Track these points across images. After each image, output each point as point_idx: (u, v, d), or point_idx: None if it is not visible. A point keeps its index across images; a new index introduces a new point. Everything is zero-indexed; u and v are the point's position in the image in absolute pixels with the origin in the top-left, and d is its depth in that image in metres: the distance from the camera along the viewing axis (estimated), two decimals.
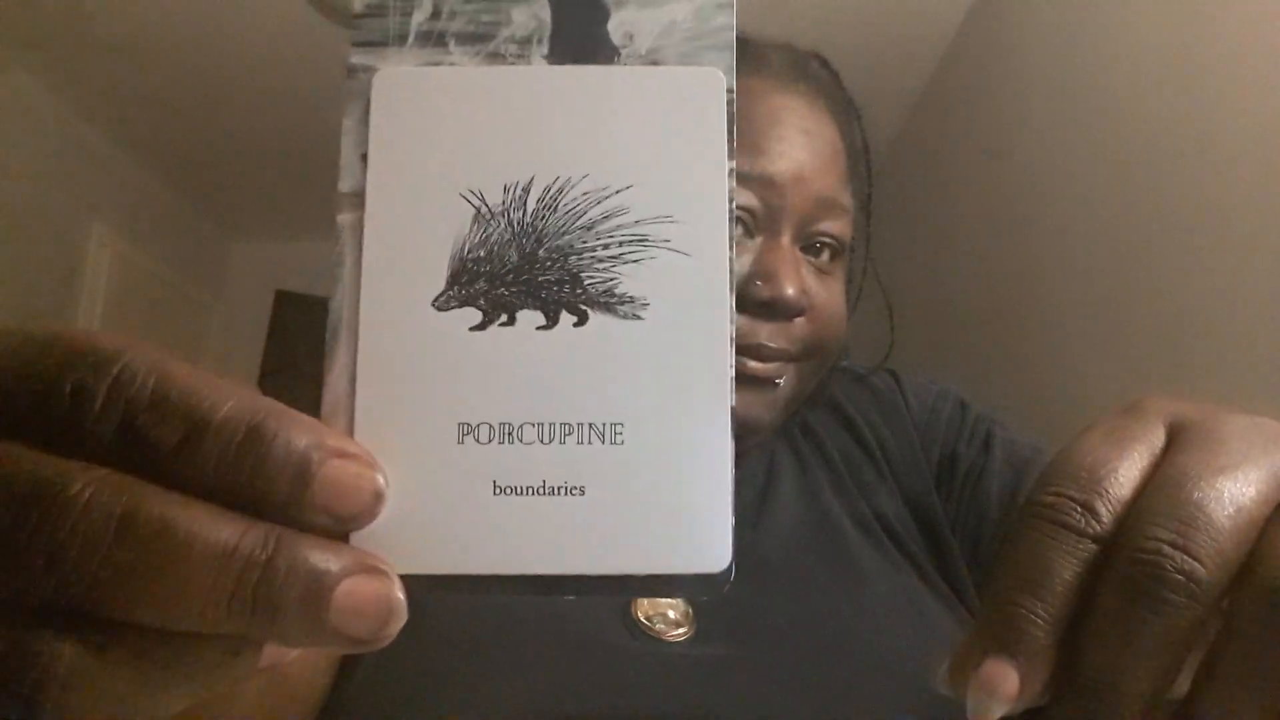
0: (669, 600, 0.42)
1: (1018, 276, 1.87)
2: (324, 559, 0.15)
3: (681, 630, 0.41)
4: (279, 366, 3.24)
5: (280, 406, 0.16)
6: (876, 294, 0.62)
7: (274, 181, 3.00)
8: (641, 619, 0.41)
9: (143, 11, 2.12)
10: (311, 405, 0.18)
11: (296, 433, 0.16)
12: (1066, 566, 0.19)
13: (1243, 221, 1.20)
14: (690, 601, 0.42)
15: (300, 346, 3.23)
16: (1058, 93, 1.74)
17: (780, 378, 0.49)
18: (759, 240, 0.50)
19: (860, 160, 0.58)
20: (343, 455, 0.16)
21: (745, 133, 0.52)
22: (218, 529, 0.15)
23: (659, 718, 0.37)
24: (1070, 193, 1.68)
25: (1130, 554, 0.19)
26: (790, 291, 0.48)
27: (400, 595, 0.16)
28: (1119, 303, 1.49)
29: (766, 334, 0.48)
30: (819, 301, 0.51)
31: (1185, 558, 0.18)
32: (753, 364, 0.48)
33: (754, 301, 0.48)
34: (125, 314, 2.76)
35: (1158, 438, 0.21)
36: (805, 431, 0.56)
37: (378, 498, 0.16)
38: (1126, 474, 0.20)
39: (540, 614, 0.39)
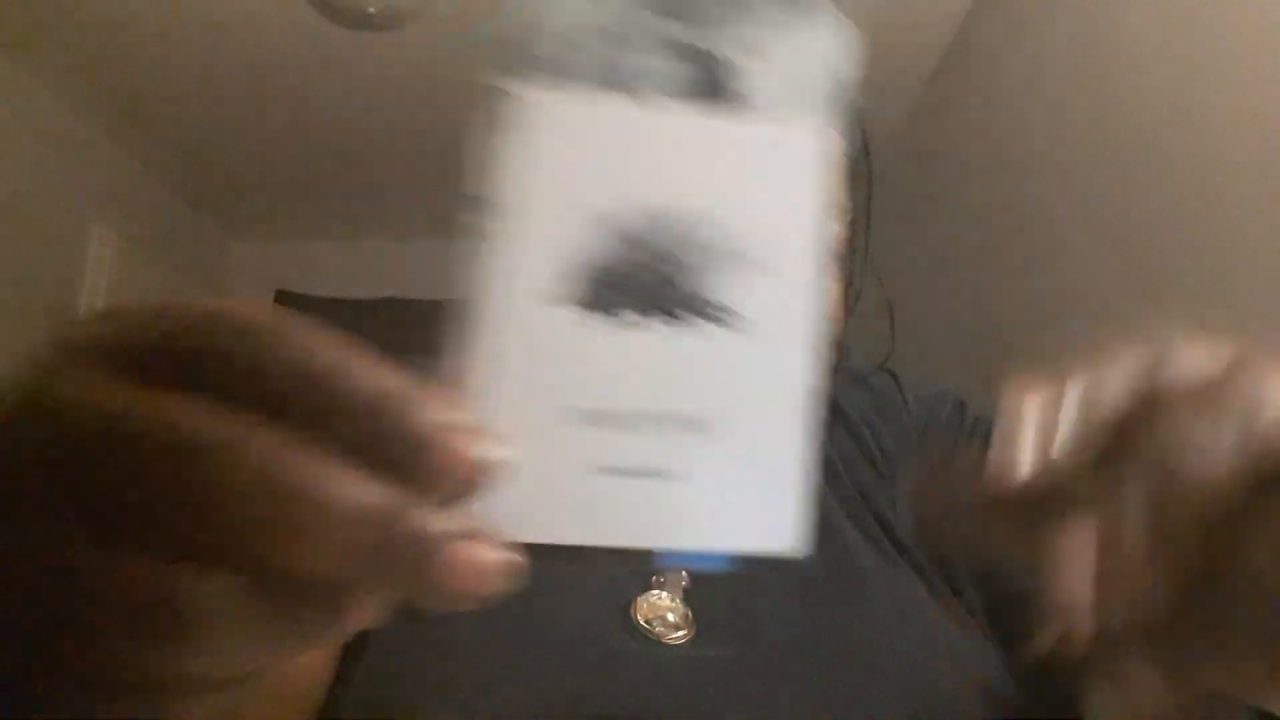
0: (668, 603, 0.42)
1: (1017, 277, 1.87)
2: (442, 523, 0.17)
3: (681, 633, 0.41)
4: None
5: (412, 385, 0.18)
6: (877, 295, 0.62)
7: (274, 181, 3.00)
8: (641, 622, 0.41)
9: (143, 12, 2.13)
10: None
11: (427, 408, 0.17)
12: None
13: (1243, 222, 1.20)
14: (689, 604, 0.42)
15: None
16: (1058, 93, 1.74)
17: None
18: None
19: (859, 162, 0.58)
20: (466, 431, 0.17)
21: None
22: (354, 490, 0.16)
23: (659, 719, 0.37)
24: (1070, 193, 1.68)
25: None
26: None
27: (502, 557, 0.17)
28: (1119, 303, 1.49)
29: None
30: None
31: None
32: None
33: None
34: None
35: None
36: None
37: (495, 470, 0.18)
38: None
39: (540, 617, 0.39)
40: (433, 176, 2.91)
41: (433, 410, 0.17)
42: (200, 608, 0.16)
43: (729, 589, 0.43)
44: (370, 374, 0.17)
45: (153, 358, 0.17)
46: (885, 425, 0.55)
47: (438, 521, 0.17)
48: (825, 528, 0.49)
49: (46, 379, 0.17)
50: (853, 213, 0.55)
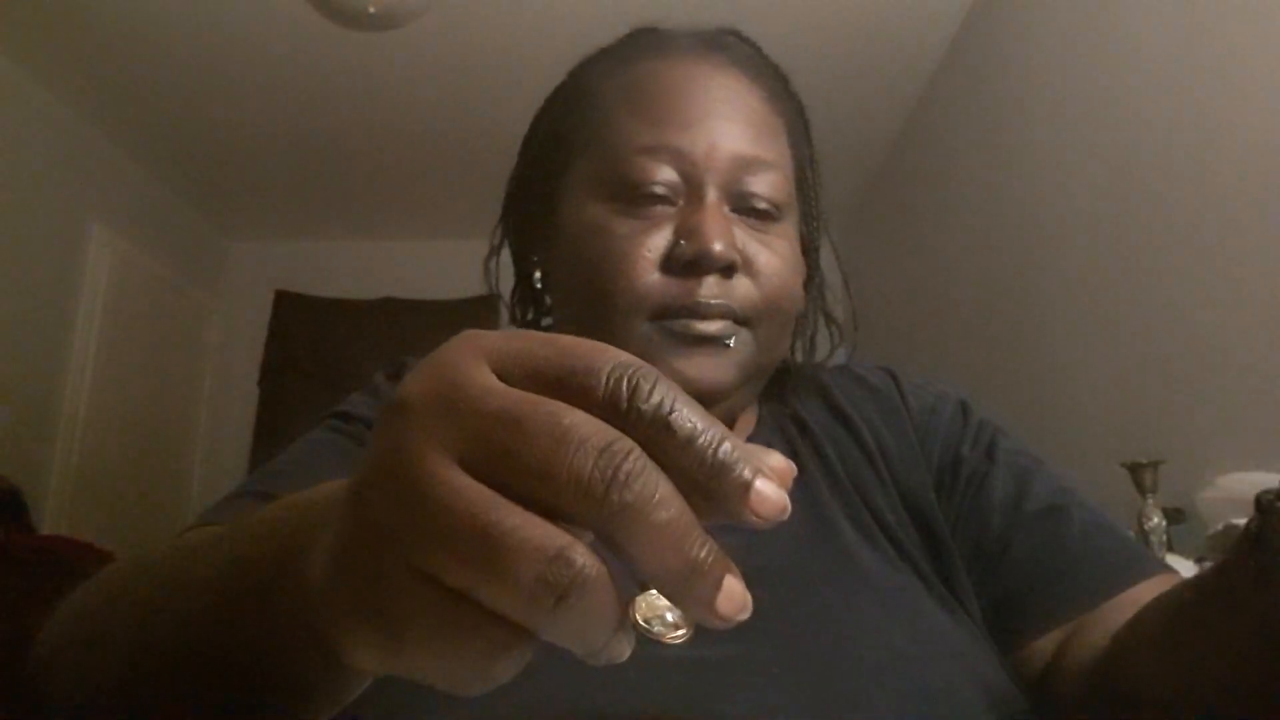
0: (667, 603, 0.42)
1: (1017, 277, 1.87)
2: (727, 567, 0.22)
3: (680, 633, 0.41)
4: (279, 366, 3.24)
5: (740, 444, 0.21)
6: (884, 300, 0.62)
7: (274, 181, 3.00)
8: (640, 621, 0.41)
9: (143, 12, 2.13)
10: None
11: (748, 454, 0.21)
12: None
13: (1243, 223, 1.20)
14: None
15: (300, 346, 3.24)
16: (1057, 93, 1.74)
17: (730, 338, 0.49)
18: (681, 205, 0.50)
19: (797, 123, 0.57)
20: (769, 477, 0.21)
21: (652, 109, 0.52)
22: (676, 502, 0.21)
23: (658, 718, 0.37)
24: (1070, 193, 1.68)
25: None
26: (716, 246, 0.48)
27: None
28: (1118, 304, 1.49)
29: (705, 291, 0.48)
30: (760, 262, 0.51)
31: None
32: (698, 324, 0.48)
33: (681, 261, 0.48)
34: (125, 314, 2.76)
35: None
36: (802, 430, 0.55)
37: (785, 510, 0.22)
38: None
39: None
40: (433, 177, 2.91)
41: (754, 456, 0.21)
42: (587, 573, 0.20)
43: None
44: (718, 425, 0.21)
45: (544, 371, 0.22)
46: (885, 424, 0.55)
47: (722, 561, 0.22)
48: (824, 526, 0.49)
49: (453, 370, 0.22)
50: (795, 173, 0.55)
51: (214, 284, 3.32)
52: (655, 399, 0.21)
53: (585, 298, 0.51)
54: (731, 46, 0.56)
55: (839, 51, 2.20)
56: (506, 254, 0.62)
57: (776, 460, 0.22)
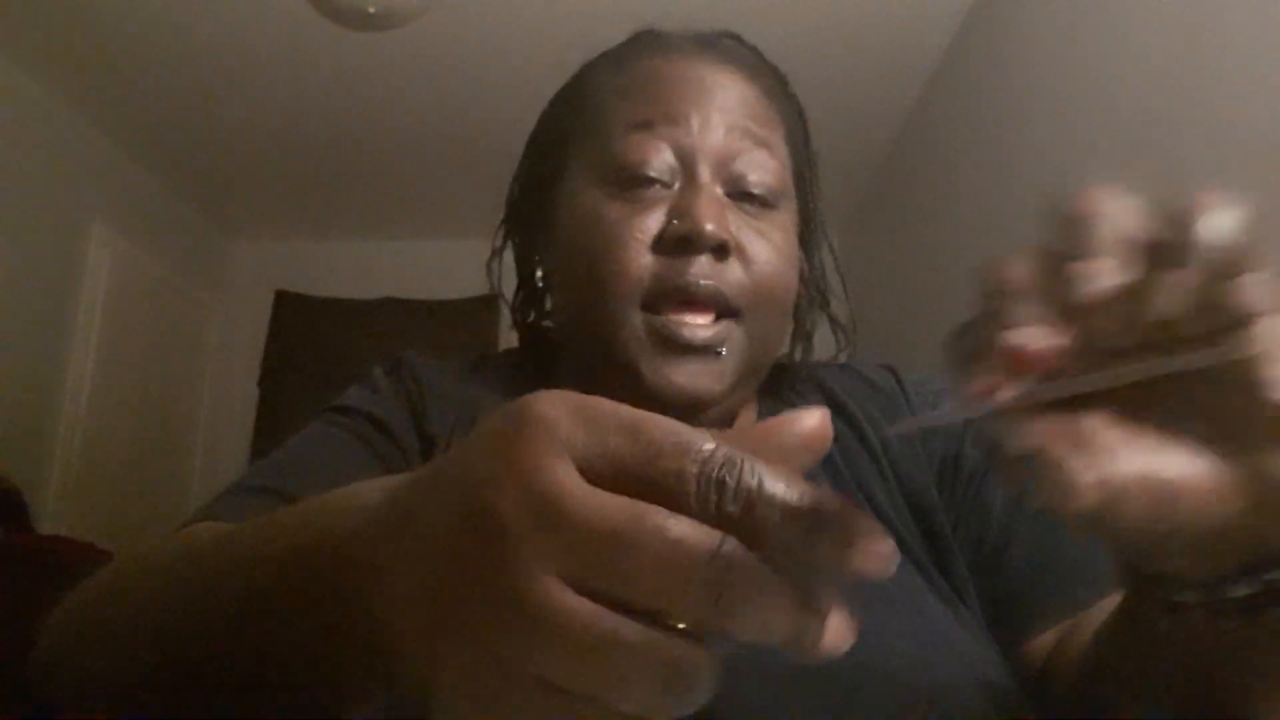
0: None
1: None
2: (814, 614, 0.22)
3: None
4: (279, 366, 3.24)
5: (839, 506, 0.21)
6: (883, 301, 0.62)
7: (274, 181, 3.00)
8: None
9: (143, 12, 2.13)
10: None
11: (851, 523, 0.21)
12: None
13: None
14: None
15: (300, 346, 3.24)
16: (1058, 92, 1.74)
17: (721, 346, 0.49)
18: (676, 186, 0.50)
19: (796, 124, 0.58)
20: (867, 541, 0.21)
21: (648, 96, 0.52)
22: (785, 589, 0.21)
23: None
24: (1070, 191, 1.68)
25: None
26: (708, 225, 0.48)
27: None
28: None
29: (695, 270, 0.48)
30: (754, 249, 0.50)
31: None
32: (688, 324, 0.48)
33: (672, 239, 0.48)
34: (125, 314, 2.76)
35: None
36: None
37: (887, 566, 0.21)
38: None
39: None
40: (433, 177, 2.91)
41: (859, 524, 0.21)
42: (703, 676, 0.21)
43: None
44: (810, 494, 0.21)
45: (632, 470, 0.21)
46: (886, 421, 0.55)
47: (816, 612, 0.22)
48: None
49: (527, 467, 0.21)
50: (792, 169, 0.56)
51: (214, 284, 3.32)
52: (744, 492, 0.21)
53: (580, 285, 0.51)
54: (730, 48, 0.57)
55: (838, 52, 2.20)
56: (509, 257, 0.62)
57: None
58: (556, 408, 0.22)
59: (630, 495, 0.21)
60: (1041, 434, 0.24)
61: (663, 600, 0.20)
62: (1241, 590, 0.27)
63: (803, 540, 0.21)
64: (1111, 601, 0.43)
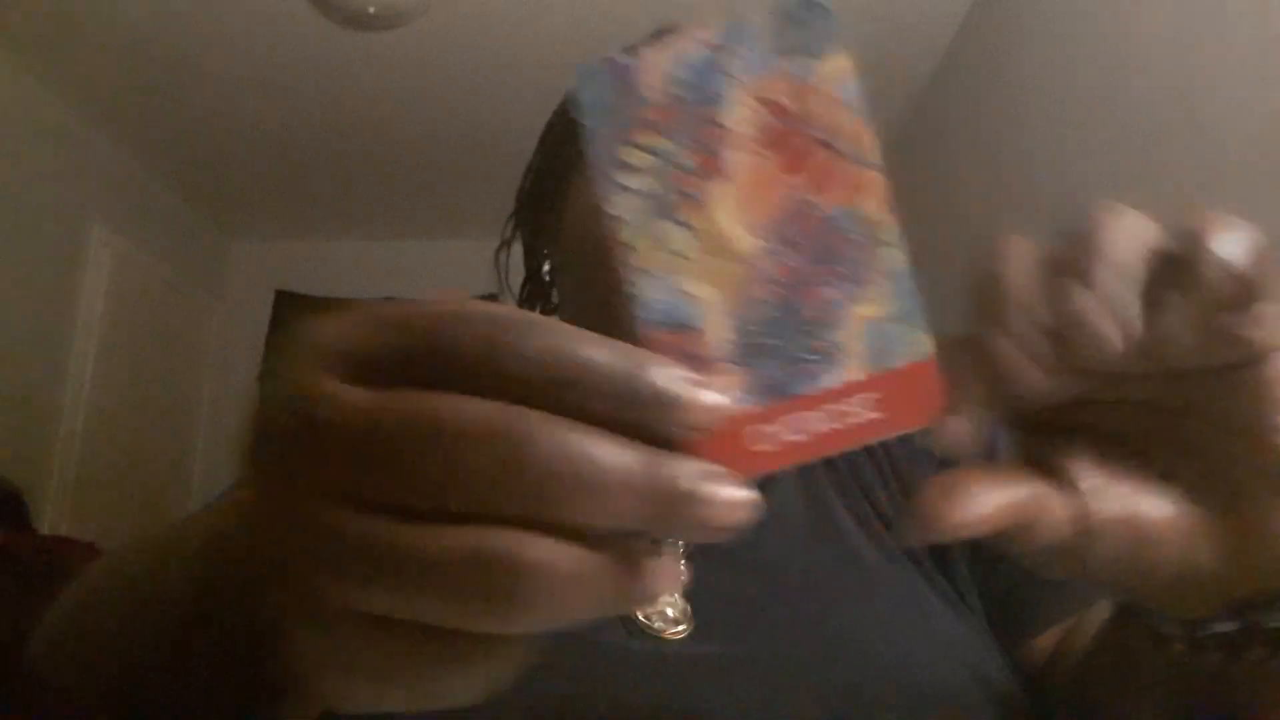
0: (667, 598, 0.42)
1: None
2: (693, 464, 0.18)
3: (680, 628, 0.41)
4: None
5: (645, 353, 0.19)
6: None
7: (274, 181, 3.00)
8: (639, 617, 0.41)
9: (143, 12, 2.13)
10: None
11: (663, 365, 0.19)
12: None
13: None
14: (689, 599, 0.42)
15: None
16: (1058, 92, 1.74)
17: None
18: None
19: None
20: (701, 384, 0.19)
21: None
22: (621, 452, 0.18)
23: (657, 716, 0.37)
24: (1070, 190, 1.68)
25: None
26: None
27: (749, 492, 0.19)
28: None
29: None
30: None
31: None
32: None
33: None
34: (125, 314, 2.76)
35: None
36: None
37: (725, 409, 0.19)
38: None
39: None
40: (433, 176, 2.91)
41: (673, 367, 0.19)
42: (537, 565, 0.18)
43: (728, 584, 0.43)
44: (608, 344, 0.19)
45: (407, 358, 0.19)
46: None
47: (693, 463, 0.19)
48: (826, 523, 0.49)
49: (294, 387, 0.19)
50: None
51: (214, 284, 3.32)
52: (535, 350, 0.18)
53: (583, 282, 0.51)
54: None
55: None
56: (516, 250, 0.62)
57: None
58: (329, 318, 0.20)
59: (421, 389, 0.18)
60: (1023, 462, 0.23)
61: (453, 497, 0.17)
62: (1223, 628, 0.26)
63: (628, 410, 0.18)
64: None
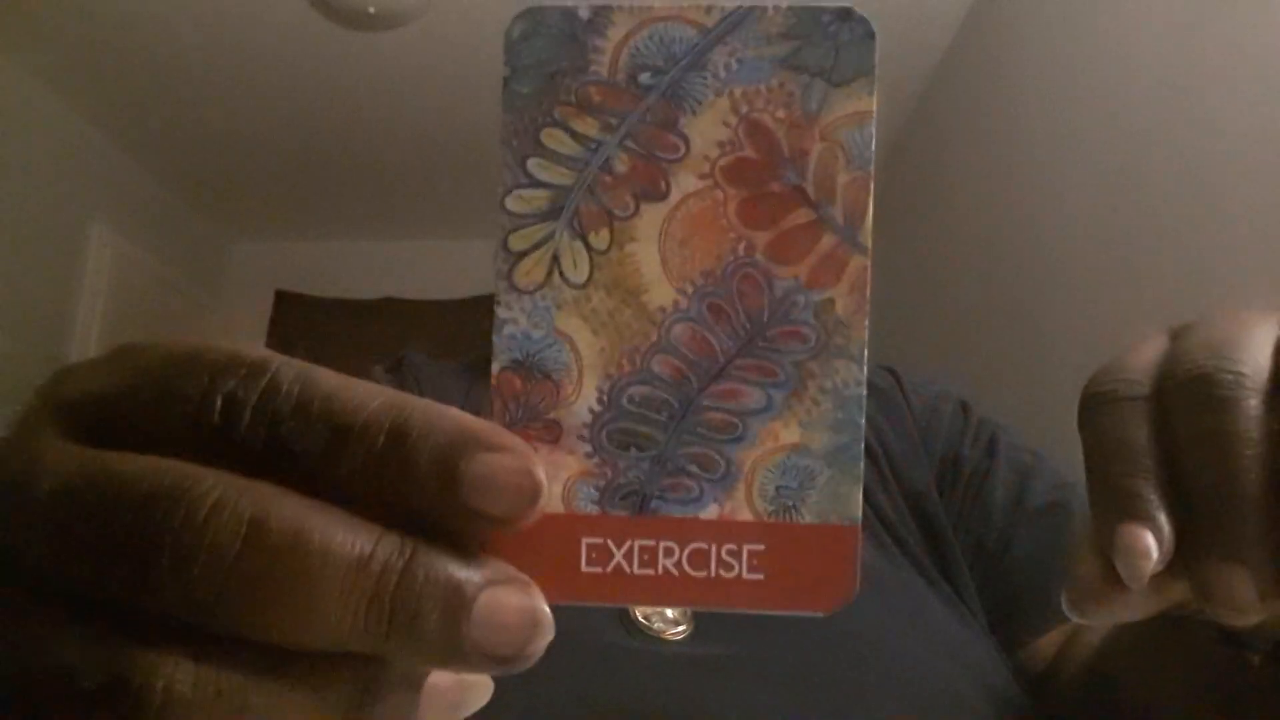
0: None
1: (1018, 276, 1.87)
2: (463, 568, 0.14)
3: (680, 629, 0.41)
4: None
5: (427, 403, 0.15)
6: (881, 301, 0.61)
7: (274, 181, 3.00)
8: (639, 617, 0.41)
9: (143, 12, 2.12)
10: None
11: (442, 425, 0.15)
12: (1136, 426, 0.21)
13: (1243, 220, 1.20)
14: None
15: (300, 347, 3.24)
16: (1058, 92, 1.74)
17: None
18: None
19: None
20: (495, 448, 0.15)
21: None
22: (352, 535, 0.14)
23: (657, 717, 0.37)
24: (1070, 192, 1.68)
25: (1179, 382, 0.21)
26: None
27: (545, 609, 0.15)
28: (1119, 304, 1.49)
29: None
30: None
31: (1225, 361, 0.20)
32: None
33: None
34: (125, 314, 2.76)
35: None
36: None
37: (535, 495, 0.15)
38: (1151, 350, 0.23)
39: None
40: (433, 177, 2.91)
41: (453, 426, 0.15)
42: (177, 688, 0.13)
43: None
44: (378, 397, 0.15)
45: (121, 410, 0.15)
46: (887, 423, 0.55)
47: (459, 566, 0.14)
48: None
49: (9, 444, 0.16)
50: None
51: (214, 284, 3.32)
52: (261, 413, 0.14)
53: None
54: None
55: None
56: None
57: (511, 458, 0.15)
58: (90, 359, 0.17)
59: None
60: None
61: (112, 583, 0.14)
62: None
63: (379, 471, 0.14)
64: None
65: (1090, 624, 0.22)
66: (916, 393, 0.57)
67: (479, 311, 2.99)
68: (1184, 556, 0.20)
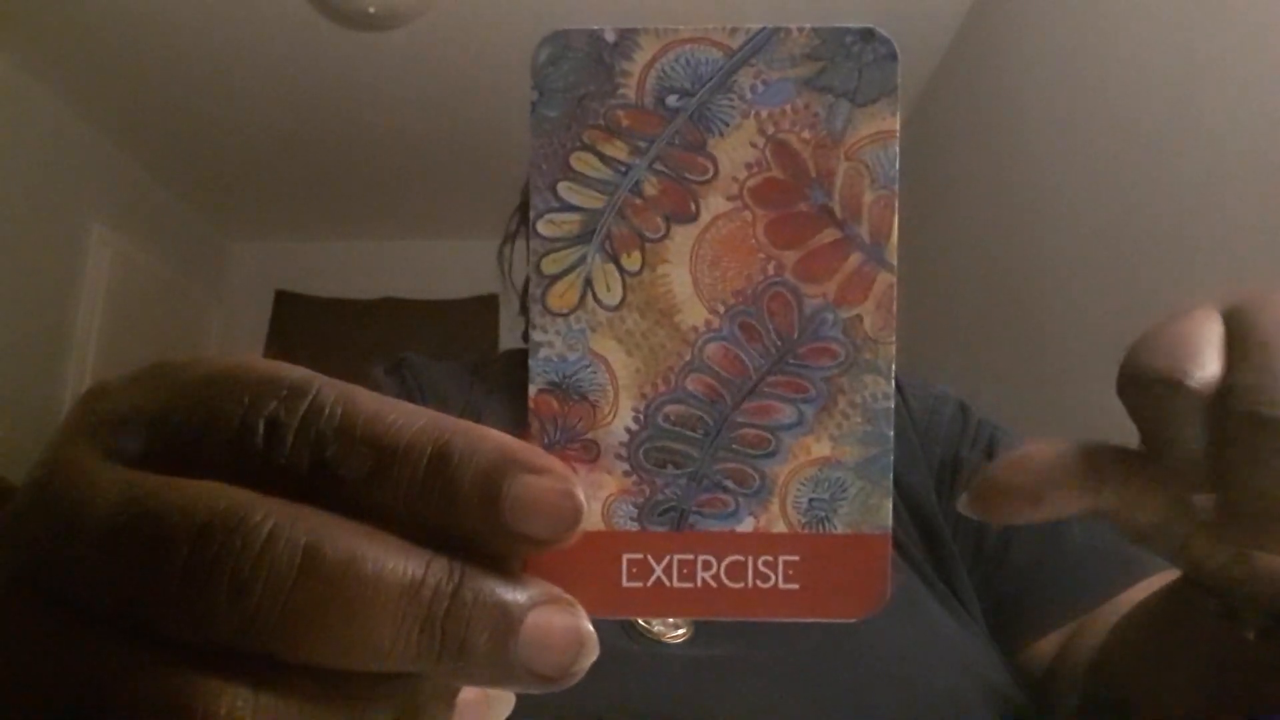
0: None
1: (1018, 276, 1.87)
2: (510, 590, 0.15)
3: (680, 632, 0.41)
4: None
5: (469, 425, 0.15)
6: None
7: (274, 181, 3.00)
8: (640, 621, 0.41)
9: (144, 12, 2.13)
10: None
11: (484, 448, 0.15)
12: (1190, 429, 0.20)
13: (1243, 220, 1.20)
14: None
15: (300, 346, 3.24)
16: (1058, 92, 1.74)
17: None
18: None
19: None
20: (536, 470, 0.15)
21: None
22: (403, 560, 0.14)
23: (658, 718, 0.37)
24: (1070, 192, 1.68)
25: (1239, 417, 0.19)
26: None
27: (589, 628, 0.15)
28: (1120, 302, 1.49)
29: None
30: None
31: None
32: None
33: None
34: (125, 314, 2.76)
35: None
36: None
37: (576, 517, 0.15)
38: (1209, 329, 0.21)
39: None
40: (433, 177, 2.91)
41: (495, 448, 0.15)
42: (238, 716, 0.14)
43: None
44: (420, 419, 0.15)
45: (162, 432, 0.15)
46: None
47: (506, 589, 0.15)
48: None
49: (51, 468, 0.16)
50: None
51: (214, 284, 3.32)
52: (305, 436, 0.14)
53: None
54: None
55: None
56: (521, 248, 0.62)
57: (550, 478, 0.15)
58: (125, 377, 0.17)
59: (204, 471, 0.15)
60: None
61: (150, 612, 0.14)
62: None
63: (422, 495, 0.14)
64: (1119, 604, 0.43)
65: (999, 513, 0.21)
66: (915, 395, 0.57)
67: (479, 311, 2.99)
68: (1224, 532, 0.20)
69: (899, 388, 0.58)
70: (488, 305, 3.00)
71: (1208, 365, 0.20)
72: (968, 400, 0.57)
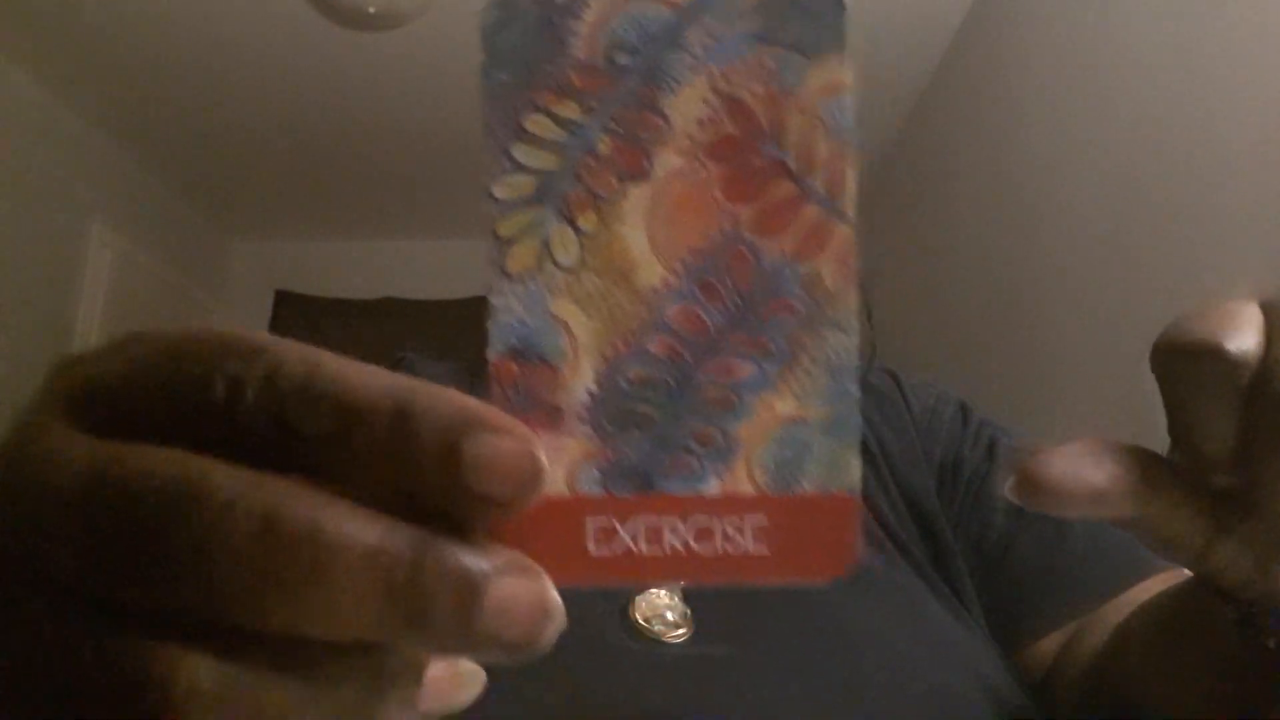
0: (667, 601, 0.42)
1: (1018, 277, 1.87)
2: (474, 558, 0.14)
3: (681, 631, 0.41)
4: None
5: (429, 384, 0.15)
6: (881, 302, 0.61)
7: (274, 181, 3.00)
8: (640, 620, 0.41)
9: (144, 12, 2.13)
10: None
11: (444, 407, 0.14)
12: (1226, 420, 0.20)
13: (1243, 221, 1.20)
14: (688, 602, 0.42)
15: None
16: (1058, 93, 1.74)
17: None
18: None
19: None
20: (495, 429, 0.14)
21: None
22: (365, 527, 0.14)
23: (658, 718, 0.37)
24: (1071, 193, 1.68)
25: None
26: None
27: (555, 596, 0.15)
28: (1119, 303, 1.49)
29: None
30: None
31: None
32: None
33: None
34: (125, 314, 2.76)
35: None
36: None
37: (537, 477, 0.15)
38: (1251, 320, 0.21)
39: None
40: (433, 176, 2.91)
41: (454, 406, 0.14)
42: (199, 684, 0.14)
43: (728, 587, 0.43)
44: (382, 379, 0.15)
45: (129, 400, 0.15)
46: (886, 424, 0.55)
47: (471, 556, 0.14)
48: None
49: (19, 439, 0.16)
50: None
51: (214, 284, 3.32)
52: (265, 395, 0.14)
53: None
54: None
55: None
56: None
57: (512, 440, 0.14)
58: (95, 349, 0.17)
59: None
60: None
61: (157, 592, 0.14)
62: None
63: (384, 455, 0.14)
64: (1121, 604, 0.43)
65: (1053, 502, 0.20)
66: (916, 395, 0.57)
67: (479, 311, 2.99)
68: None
69: (899, 387, 0.58)
70: (488, 305, 3.00)
71: (1248, 338, 0.20)
72: (968, 400, 0.57)
